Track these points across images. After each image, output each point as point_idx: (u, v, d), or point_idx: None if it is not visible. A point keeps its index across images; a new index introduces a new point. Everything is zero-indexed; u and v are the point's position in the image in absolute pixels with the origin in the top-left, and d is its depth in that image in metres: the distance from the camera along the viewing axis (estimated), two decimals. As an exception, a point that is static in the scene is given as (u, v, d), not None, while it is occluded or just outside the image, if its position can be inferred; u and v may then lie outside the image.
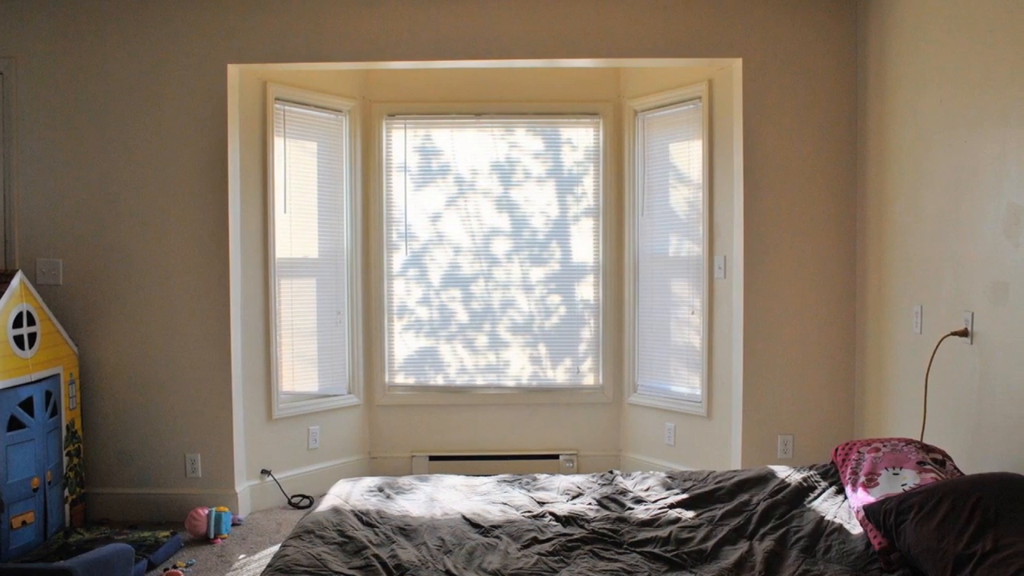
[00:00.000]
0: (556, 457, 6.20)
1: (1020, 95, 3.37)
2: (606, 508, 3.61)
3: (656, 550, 3.15)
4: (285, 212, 5.70)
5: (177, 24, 5.18)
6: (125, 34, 5.17)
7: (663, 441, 5.93)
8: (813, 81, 5.16)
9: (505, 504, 3.65)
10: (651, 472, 4.05)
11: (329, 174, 6.01)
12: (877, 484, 3.26)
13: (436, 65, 5.41)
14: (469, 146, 6.25)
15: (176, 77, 5.19)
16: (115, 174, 5.20)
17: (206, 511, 4.95)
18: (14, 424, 4.45)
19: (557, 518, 3.48)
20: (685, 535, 3.27)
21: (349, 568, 2.92)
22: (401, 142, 6.22)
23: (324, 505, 3.57)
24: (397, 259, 6.27)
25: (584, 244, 6.28)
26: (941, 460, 3.39)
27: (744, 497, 3.62)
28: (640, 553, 3.14)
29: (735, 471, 3.94)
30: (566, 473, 4.74)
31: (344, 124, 6.07)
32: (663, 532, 3.29)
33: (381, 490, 3.79)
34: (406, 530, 3.34)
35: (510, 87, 6.18)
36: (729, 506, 3.54)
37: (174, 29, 5.18)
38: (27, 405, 4.53)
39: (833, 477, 3.73)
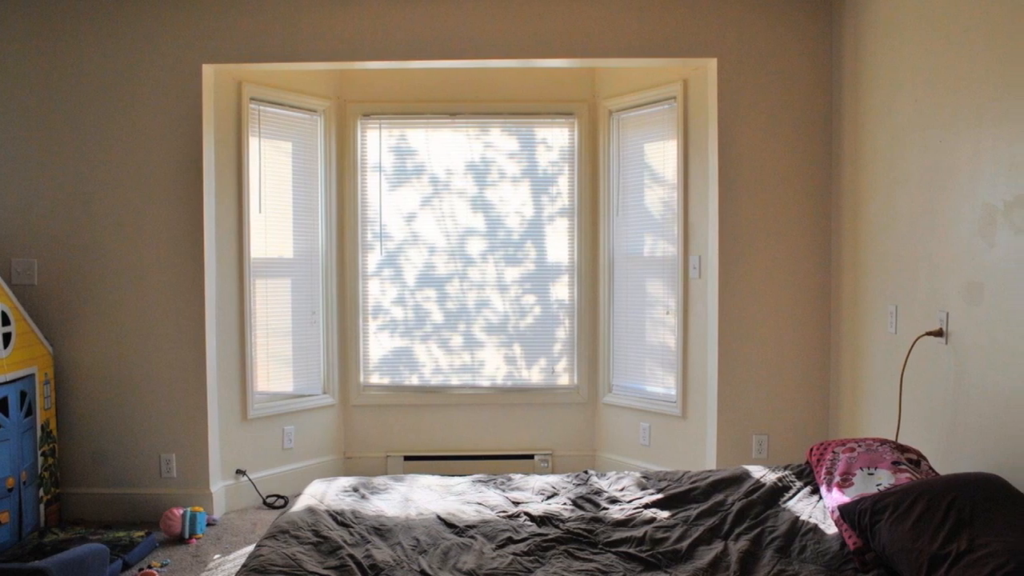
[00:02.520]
0: (531, 457, 6.20)
1: (995, 95, 3.39)
2: (581, 508, 3.61)
3: (631, 550, 3.15)
4: (260, 212, 5.66)
5: (152, 24, 5.13)
6: (100, 34, 5.12)
7: (638, 441, 5.94)
8: (788, 81, 5.18)
9: (480, 504, 3.64)
10: (626, 472, 4.05)
11: (304, 174, 5.98)
12: (852, 484, 3.27)
13: (411, 65, 5.39)
14: (444, 146, 6.23)
15: (151, 77, 5.15)
16: (90, 174, 5.15)
17: (181, 511, 4.91)
18: (-11, 424, 4.42)
19: (532, 518, 3.48)
20: (660, 535, 3.28)
21: (324, 568, 2.91)
22: (376, 142, 6.19)
23: (299, 505, 3.55)
24: (372, 259, 6.24)
25: (559, 244, 6.28)
26: (916, 460, 3.41)
27: (719, 497, 3.63)
28: (615, 553, 3.14)
29: (710, 471, 3.95)
30: (541, 473, 4.74)
31: (319, 124, 6.04)
32: (638, 532, 3.30)
33: (356, 490, 3.78)
34: (381, 530, 3.33)
35: (485, 87, 6.16)
36: (704, 506, 3.55)
37: (149, 29, 5.13)
38: (2, 405, 4.48)
39: (808, 477, 3.74)
